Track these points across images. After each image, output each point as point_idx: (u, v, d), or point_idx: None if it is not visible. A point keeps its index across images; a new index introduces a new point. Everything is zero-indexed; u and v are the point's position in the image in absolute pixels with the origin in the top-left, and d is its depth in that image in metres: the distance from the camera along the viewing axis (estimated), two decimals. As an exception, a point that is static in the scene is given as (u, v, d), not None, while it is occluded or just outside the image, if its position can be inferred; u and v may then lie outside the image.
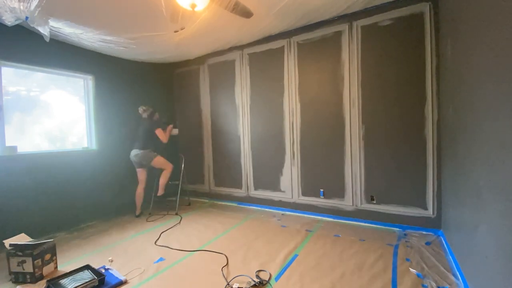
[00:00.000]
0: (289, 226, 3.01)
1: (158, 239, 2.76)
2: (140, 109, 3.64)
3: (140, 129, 3.58)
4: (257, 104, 3.73)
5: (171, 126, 3.81)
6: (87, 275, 1.98)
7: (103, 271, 2.08)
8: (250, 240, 2.66)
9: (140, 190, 3.59)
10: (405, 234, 2.63)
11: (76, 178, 3.27)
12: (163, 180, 3.64)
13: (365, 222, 2.99)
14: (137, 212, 3.60)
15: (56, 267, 2.17)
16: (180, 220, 3.35)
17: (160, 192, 3.66)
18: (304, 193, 3.40)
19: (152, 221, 3.40)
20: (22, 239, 2.21)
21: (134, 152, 3.48)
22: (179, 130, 4.48)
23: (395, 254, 2.22)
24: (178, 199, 3.80)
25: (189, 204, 4.15)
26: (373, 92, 2.89)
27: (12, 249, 2.00)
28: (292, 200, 3.52)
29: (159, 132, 3.52)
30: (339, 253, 2.29)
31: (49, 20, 2.50)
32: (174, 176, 3.86)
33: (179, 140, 4.62)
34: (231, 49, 3.88)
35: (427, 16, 2.58)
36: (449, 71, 2.19)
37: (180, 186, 3.86)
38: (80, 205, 3.30)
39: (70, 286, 1.84)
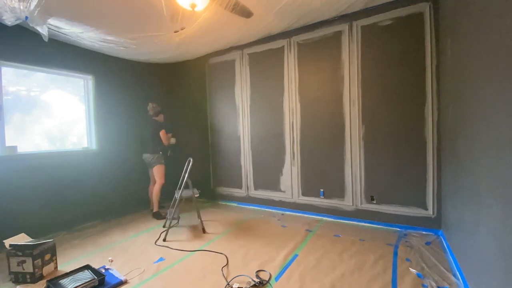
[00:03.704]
0: (289, 226, 3.01)
1: (158, 239, 2.76)
2: (149, 106, 3.61)
3: (148, 130, 3.58)
4: (257, 104, 3.73)
5: (170, 134, 3.78)
6: (87, 275, 1.98)
7: (103, 271, 2.08)
8: (250, 240, 2.66)
9: (151, 187, 3.73)
10: (405, 234, 2.63)
11: (76, 178, 3.27)
12: (155, 195, 3.51)
13: (365, 222, 2.99)
14: (154, 209, 3.56)
15: (56, 267, 2.17)
16: (178, 220, 3.35)
17: (155, 208, 3.53)
18: (304, 193, 3.40)
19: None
20: (22, 239, 2.21)
21: (145, 156, 3.59)
22: (177, 139, 4.28)
23: (395, 254, 2.22)
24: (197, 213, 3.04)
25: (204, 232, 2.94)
26: (373, 92, 2.89)
27: (12, 249, 2.00)
28: (292, 200, 3.51)
29: (162, 134, 3.54)
30: (339, 253, 2.29)
31: (48, 20, 2.50)
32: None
33: (182, 146, 4.61)
34: (231, 49, 3.88)
35: (427, 16, 2.58)
36: (449, 71, 2.19)
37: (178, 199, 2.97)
38: (80, 205, 3.30)
39: (70, 286, 1.84)
